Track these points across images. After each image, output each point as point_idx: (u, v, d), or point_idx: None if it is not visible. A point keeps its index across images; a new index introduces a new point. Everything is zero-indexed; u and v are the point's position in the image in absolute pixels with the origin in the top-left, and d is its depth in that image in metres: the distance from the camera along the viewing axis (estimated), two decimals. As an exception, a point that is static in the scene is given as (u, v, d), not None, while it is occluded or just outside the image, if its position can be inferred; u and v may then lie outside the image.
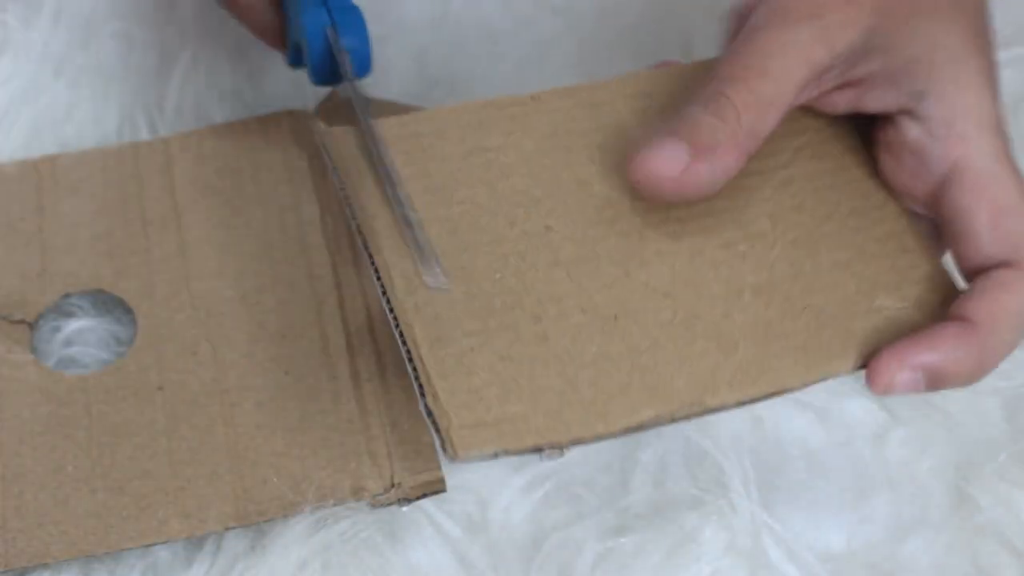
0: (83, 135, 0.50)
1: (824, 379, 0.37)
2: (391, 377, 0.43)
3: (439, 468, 0.41)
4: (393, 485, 0.40)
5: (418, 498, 0.40)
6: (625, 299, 0.37)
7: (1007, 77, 0.53)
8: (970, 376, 0.37)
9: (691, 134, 0.38)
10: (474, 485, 0.42)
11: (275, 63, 0.53)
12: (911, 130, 0.39)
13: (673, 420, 0.36)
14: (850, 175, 0.41)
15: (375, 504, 0.40)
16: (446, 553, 0.41)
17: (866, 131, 0.42)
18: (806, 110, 0.41)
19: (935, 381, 0.37)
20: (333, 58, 0.43)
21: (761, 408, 0.44)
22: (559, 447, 0.35)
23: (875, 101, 0.40)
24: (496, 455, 0.34)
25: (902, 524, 0.42)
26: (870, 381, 0.37)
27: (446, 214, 0.39)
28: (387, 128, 0.41)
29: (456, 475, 0.42)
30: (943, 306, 0.38)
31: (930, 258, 0.39)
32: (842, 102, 0.41)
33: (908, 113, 0.39)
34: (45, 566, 0.39)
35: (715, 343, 0.37)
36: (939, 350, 0.37)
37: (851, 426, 0.44)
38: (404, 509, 0.40)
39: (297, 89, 0.52)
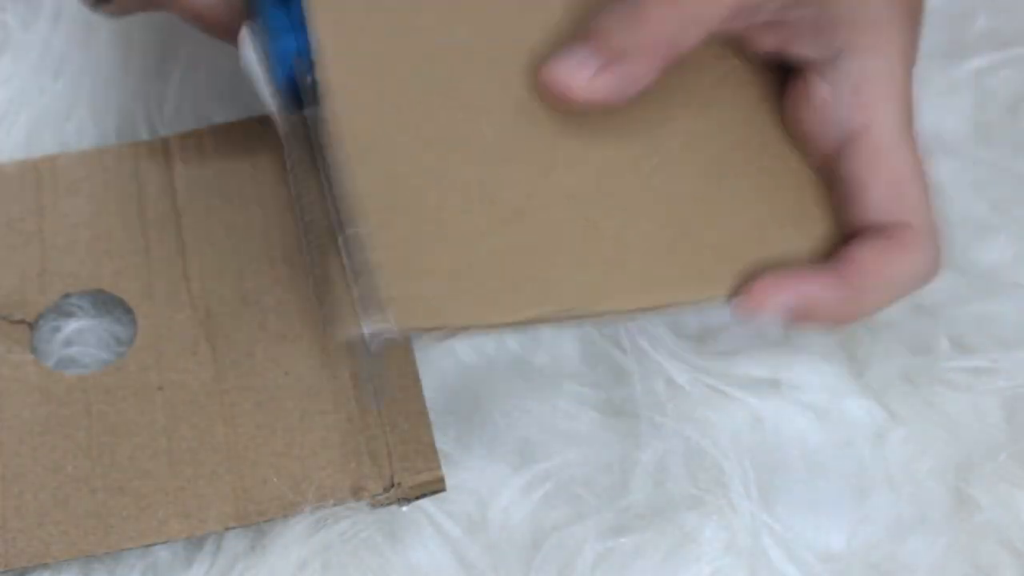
0: (83, 135, 0.50)
1: (709, 300, 0.38)
2: (391, 378, 0.43)
3: (439, 468, 0.41)
4: (393, 485, 0.40)
5: (418, 498, 0.40)
6: (532, 198, 0.38)
7: (1007, 77, 0.54)
8: (833, 321, 0.39)
9: (603, 40, 0.37)
10: (474, 485, 0.42)
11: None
12: (819, 88, 0.40)
13: (568, 318, 0.37)
14: (764, 114, 0.41)
15: (375, 504, 0.40)
16: (446, 553, 0.41)
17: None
18: (732, 45, 0.41)
19: (801, 315, 0.38)
20: (296, 86, 0.42)
21: (761, 408, 0.44)
22: (447, 332, 0.36)
23: (798, 48, 0.40)
24: (386, 336, 0.35)
25: (902, 524, 0.42)
26: (742, 298, 0.38)
27: (376, 87, 0.38)
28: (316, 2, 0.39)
29: (456, 475, 0.42)
30: (830, 250, 0.39)
31: (826, 203, 0.40)
32: (767, 43, 0.40)
33: (818, 70, 0.39)
34: (45, 566, 0.39)
35: (613, 252, 0.38)
36: (814, 287, 0.38)
37: (851, 426, 0.44)
38: (404, 509, 0.40)
39: (297, 89, 0.52)
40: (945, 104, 0.53)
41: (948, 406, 0.44)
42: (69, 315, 0.45)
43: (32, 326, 0.44)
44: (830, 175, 0.40)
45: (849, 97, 0.39)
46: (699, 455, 0.43)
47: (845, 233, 0.40)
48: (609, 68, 0.37)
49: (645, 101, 0.39)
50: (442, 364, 0.45)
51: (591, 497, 0.42)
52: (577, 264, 0.37)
